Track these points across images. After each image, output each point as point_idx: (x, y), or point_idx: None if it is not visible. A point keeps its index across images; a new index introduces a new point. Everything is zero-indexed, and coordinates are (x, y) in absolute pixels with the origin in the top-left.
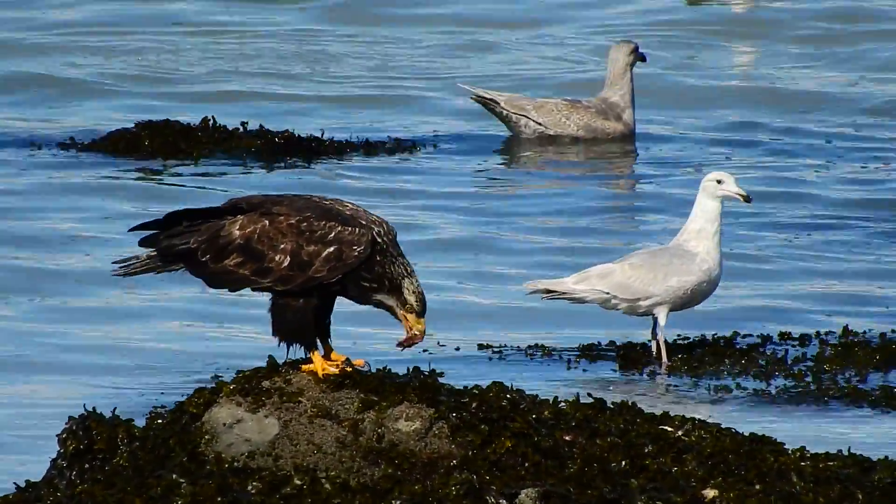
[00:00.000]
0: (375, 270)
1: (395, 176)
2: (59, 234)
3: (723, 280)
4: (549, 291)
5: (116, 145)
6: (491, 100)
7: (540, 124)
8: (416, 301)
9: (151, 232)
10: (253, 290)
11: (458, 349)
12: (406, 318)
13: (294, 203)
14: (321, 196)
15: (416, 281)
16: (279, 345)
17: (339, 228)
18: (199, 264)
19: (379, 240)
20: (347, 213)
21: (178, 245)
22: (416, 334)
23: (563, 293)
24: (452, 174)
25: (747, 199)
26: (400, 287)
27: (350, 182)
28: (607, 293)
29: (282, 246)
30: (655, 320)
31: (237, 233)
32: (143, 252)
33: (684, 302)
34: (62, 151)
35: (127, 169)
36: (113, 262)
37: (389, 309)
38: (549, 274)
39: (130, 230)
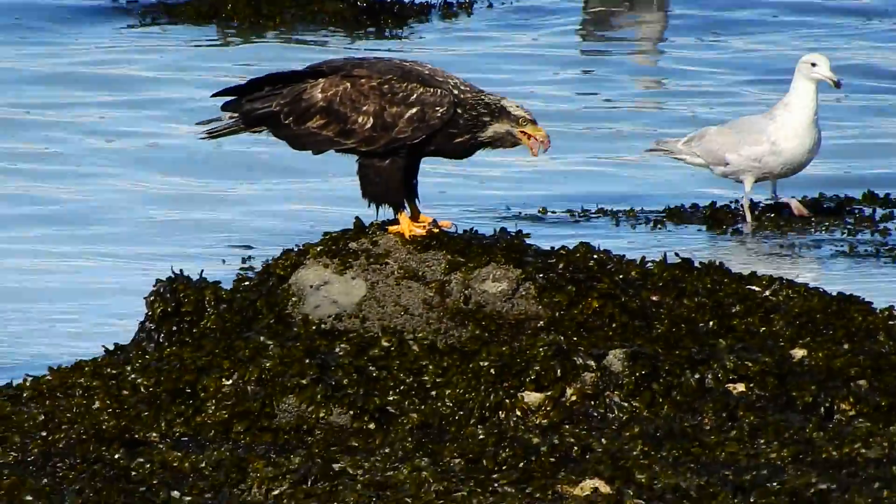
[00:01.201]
0: (464, 121)
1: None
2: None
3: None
4: (656, 150)
5: (199, 10)
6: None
7: None
8: (525, 111)
9: (232, 98)
10: (336, 151)
11: (543, 211)
12: (525, 132)
13: (374, 65)
14: (401, 59)
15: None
16: (368, 206)
17: (421, 90)
18: (282, 126)
19: (460, 95)
20: (427, 73)
21: (261, 108)
22: (543, 139)
23: (672, 153)
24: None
25: (837, 84)
26: (503, 108)
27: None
28: (699, 156)
29: (364, 107)
30: (743, 186)
31: (319, 95)
32: (226, 115)
33: (763, 172)
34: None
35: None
36: (196, 123)
37: (504, 138)
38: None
39: (213, 96)
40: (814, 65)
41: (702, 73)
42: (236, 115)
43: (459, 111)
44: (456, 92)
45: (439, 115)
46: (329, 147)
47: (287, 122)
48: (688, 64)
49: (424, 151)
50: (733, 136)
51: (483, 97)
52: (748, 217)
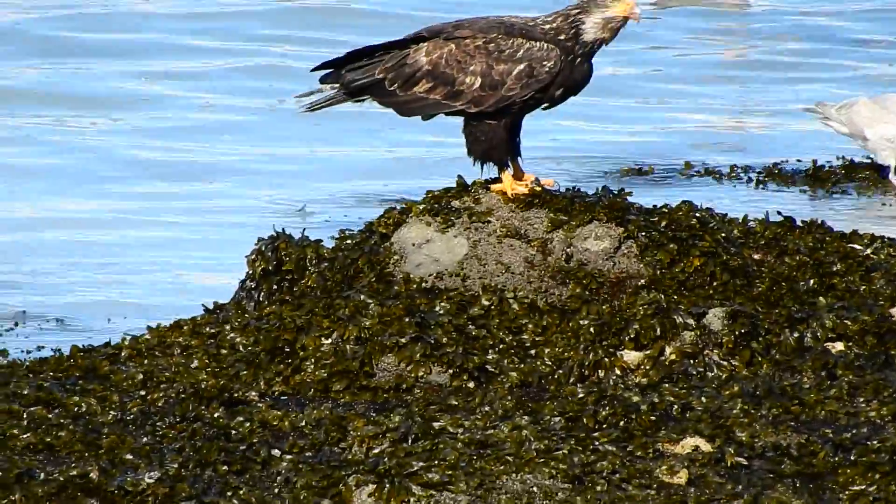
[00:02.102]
0: (567, 37)
1: None
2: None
3: None
4: (814, 111)
5: None
6: None
7: None
8: None
9: (330, 70)
10: (446, 114)
11: (651, 169)
12: (617, 8)
13: (475, 24)
14: (498, 17)
15: None
16: (473, 164)
17: (528, 45)
18: (387, 93)
19: (554, 26)
20: (528, 25)
21: (363, 77)
22: (634, 11)
23: (826, 118)
24: None
25: None
26: (596, 3)
27: None
28: (844, 125)
29: (472, 67)
30: (883, 166)
31: (424, 59)
32: (327, 87)
33: None
34: None
35: None
36: (295, 97)
37: (604, 26)
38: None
39: (313, 70)
40: None
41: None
42: (337, 86)
43: (562, 37)
44: (548, 27)
45: (547, 69)
46: (437, 110)
47: (392, 88)
48: None
49: (535, 106)
50: (877, 111)
51: (568, 9)
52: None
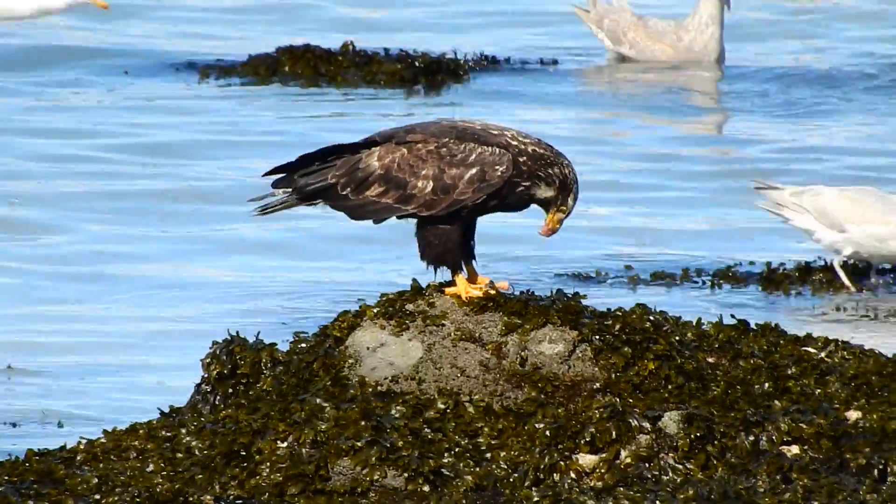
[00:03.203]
0: (527, 168)
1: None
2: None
3: None
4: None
5: (257, 70)
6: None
7: None
8: (573, 203)
9: (282, 175)
10: (398, 217)
11: (599, 273)
12: (553, 216)
13: (428, 128)
14: (450, 119)
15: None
16: (427, 268)
17: (480, 150)
18: (339, 198)
19: (518, 146)
20: (480, 130)
21: (316, 182)
22: (556, 227)
23: (777, 201)
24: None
25: None
26: (569, 190)
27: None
28: (808, 212)
29: (423, 172)
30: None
31: (376, 163)
32: (279, 191)
33: (875, 251)
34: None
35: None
36: (249, 200)
37: (544, 203)
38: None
39: (264, 175)
40: None
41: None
42: (289, 190)
43: (522, 158)
44: (515, 143)
45: (499, 173)
46: (389, 214)
47: (345, 192)
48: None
49: (486, 210)
50: (858, 203)
51: (553, 169)
52: (847, 281)
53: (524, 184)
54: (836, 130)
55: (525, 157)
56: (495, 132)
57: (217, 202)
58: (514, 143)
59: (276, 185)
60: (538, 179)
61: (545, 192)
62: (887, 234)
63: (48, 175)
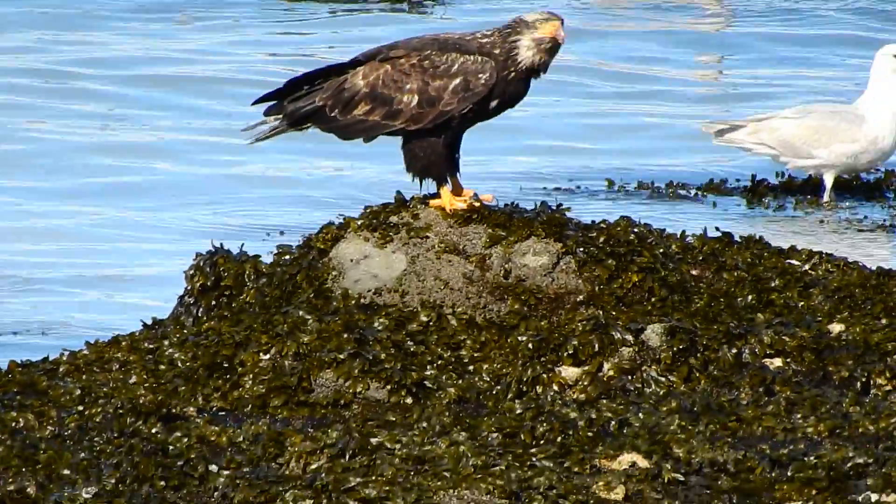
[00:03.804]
0: (505, 55)
1: None
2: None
3: None
4: (721, 133)
5: None
6: None
7: None
8: (539, 13)
9: (273, 103)
10: (385, 134)
11: (578, 187)
12: (545, 29)
13: (409, 43)
14: (433, 33)
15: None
16: (412, 180)
17: (462, 59)
18: (328, 119)
19: (489, 42)
20: (458, 39)
21: (305, 106)
22: (559, 33)
23: (735, 143)
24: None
25: None
26: (521, 20)
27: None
28: (774, 149)
29: (408, 86)
30: (822, 183)
31: (361, 82)
32: (270, 118)
33: (850, 168)
34: None
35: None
36: (241, 130)
37: (537, 49)
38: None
39: (253, 104)
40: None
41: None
42: (280, 116)
43: (497, 51)
44: (485, 41)
45: (483, 81)
46: (378, 132)
47: (333, 114)
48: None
49: (475, 120)
50: (822, 130)
51: (504, 27)
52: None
53: (513, 71)
54: None
55: (498, 51)
56: (469, 38)
57: (212, 95)
58: (485, 41)
59: (267, 112)
60: (516, 48)
61: (527, 43)
62: (858, 149)
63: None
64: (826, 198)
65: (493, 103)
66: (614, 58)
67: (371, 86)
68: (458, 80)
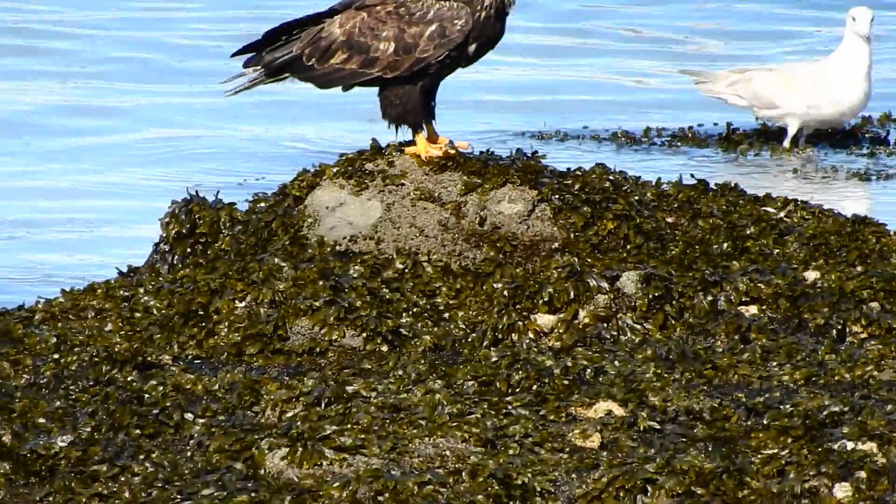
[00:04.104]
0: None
1: None
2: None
3: None
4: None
5: None
6: None
7: None
8: None
9: (251, 55)
10: (363, 83)
11: (558, 132)
12: None
13: None
14: None
15: None
16: (388, 127)
17: (438, 6)
18: (306, 69)
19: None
20: None
21: (282, 56)
22: None
23: (713, 92)
24: None
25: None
26: None
27: None
28: (746, 100)
29: (384, 34)
30: (786, 131)
31: (338, 31)
32: (249, 70)
33: (814, 121)
34: None
35: None
36: (220, 83)
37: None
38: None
39: (232, 56)
40: (854, 18)
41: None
42: (259, 68)
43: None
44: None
45: (459, 27)
46: (355, 80)
47: (310, 63)
48: None
49: (453, 66)
50: (787, 81)
51: None
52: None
53: (482, 11)
54: None
55: None
56: None
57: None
58: None
59: (246, 64)
60: None
61: None
62: (816, 101)
63: None
64: (786, 144)
65: (472, 48)
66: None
67: (347, 34)
68: (434, 27)
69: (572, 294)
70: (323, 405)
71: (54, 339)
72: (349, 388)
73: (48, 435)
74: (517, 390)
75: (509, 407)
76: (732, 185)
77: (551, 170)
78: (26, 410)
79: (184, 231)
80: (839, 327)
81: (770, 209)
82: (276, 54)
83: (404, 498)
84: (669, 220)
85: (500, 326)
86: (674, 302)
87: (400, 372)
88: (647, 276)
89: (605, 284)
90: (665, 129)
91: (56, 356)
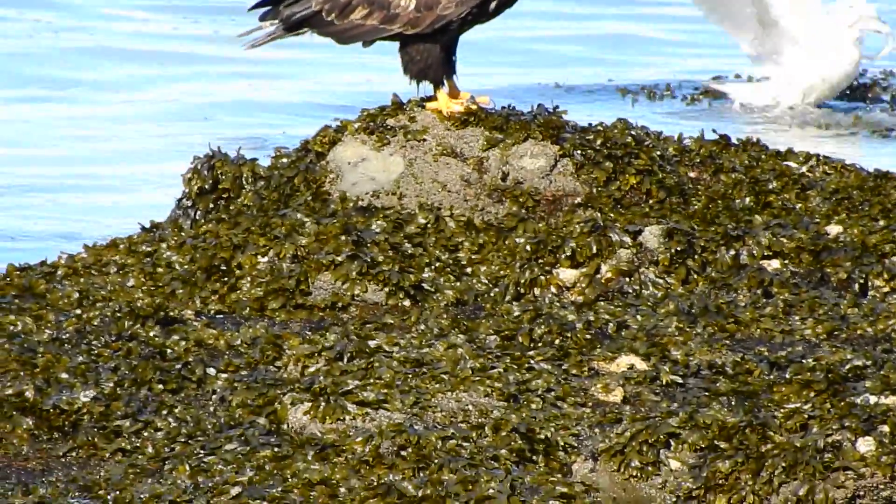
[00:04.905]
0: None
1: None
2: None
3: None
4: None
5: None
6: None
7: None
8: None
9: (268, 8)
10: (384, 39)
11: (581, 85)
12: None
13: None
14: None
15: None
16: (409, 83)
17: None
18: (325, 24)
19: None
20: None
21: (301, 11)
22: None
23: None
24: None
25: None
26: None
27: None
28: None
29: None
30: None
31: None
32: (266, 23)
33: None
34: None
35: None
36: (238, 36)
37: None
38: None
39: (251, 9)
40: None
41: None
42: (277, 22)
43: None
44: None
45: None
46: (375, 36)
47: (330, 18)
48: None
49: (474, 22)
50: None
51: None
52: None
53: None
54: None
55: None
56: None
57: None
58: None
59: (262, 18)
60: None
61: None
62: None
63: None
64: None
65: (493, 4)
66: None
67: None
68: None
69: (595, 249)
70: (345, 360)
71: (76, 295)
72: (371, 343)
73: (71, 390)
74: (539, 345)
75: (532, 361)
76: (755, 140)
77: (573, 125)
78: (49, 366)
79: (206, 186)
80: (861, 281)
81: (792, 164)
82: (294, 9)
83: (427, 452)
84: (692, 174)
85: (523, 281)
86: (696, 256)
87: (422, 327)
88: (669, 231)
89: (627, 239)
90: (687, 82)
91: (78, 311)
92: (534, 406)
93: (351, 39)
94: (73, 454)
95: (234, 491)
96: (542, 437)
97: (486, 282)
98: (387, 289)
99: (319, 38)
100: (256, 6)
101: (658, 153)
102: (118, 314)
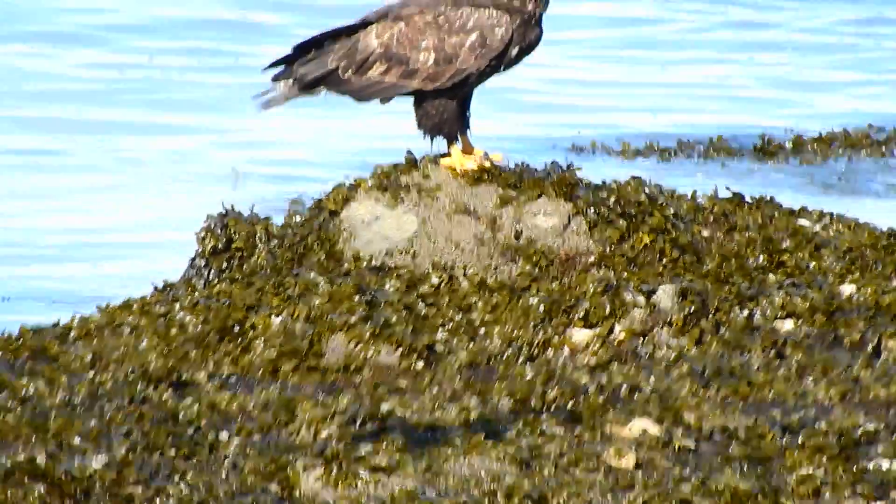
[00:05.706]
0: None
1: None
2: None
3: None
4: None
5: None
6: None
7: None
8: None
9: (283, 68)
10: (402, 94)
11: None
12: None
13: (420, 0)
14: None
15: None
16: (423, 137)
17: (477, 14)
18: (342, 82)
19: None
20: None
21: (316, 70)
22: None
23: None
24: None
25: None
26: None
27: None
28: None
29: (424, 44)
30: None
31: (375, 42)
32: (280, 84)
33: None
34: None
35: None
36: (252, 98)
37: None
38: None
39: (264, 70)
40: None
41: None
42: (291, 82)
43: (516, 2)
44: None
45: (500, 36)
46: (394, 92)
47: (346, 76)
48: None
49: (490, 74)
50: None
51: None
52: None
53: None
54: None
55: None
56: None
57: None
58: None
59: (276, 78)
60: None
61: None
62: None
63: None
64: None
65: (514, 52)
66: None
67: (385, 45)
68: (474, 36)
69: (608, 309)
70: (357, 424)
71: (90, 357)
72: (384, 407)
73: (83, 456)
74: (552, 409)
75: (544, 426)
76: (768, 198)
77: (586, 182)
78: (61, 430)
79: (219, 245)
80: (875, 342)
81: (805, 222)
82: (309, 67)
83: None
84: (705, 233)
85: (536, 342)
86: (710, 316)
87: (435, 390)
88: (683, 290)
89: (641, 299)
90: (698, 139)
91: (91, 374)
92: (546, 472)
93: (370, 97)
94: None
95: None
96: (555, 503)
97: (500, 342)
98: (400, 350)
99: (336, 95)
100: (271, 66)
101: (671, 211)
102: (131, 377)
